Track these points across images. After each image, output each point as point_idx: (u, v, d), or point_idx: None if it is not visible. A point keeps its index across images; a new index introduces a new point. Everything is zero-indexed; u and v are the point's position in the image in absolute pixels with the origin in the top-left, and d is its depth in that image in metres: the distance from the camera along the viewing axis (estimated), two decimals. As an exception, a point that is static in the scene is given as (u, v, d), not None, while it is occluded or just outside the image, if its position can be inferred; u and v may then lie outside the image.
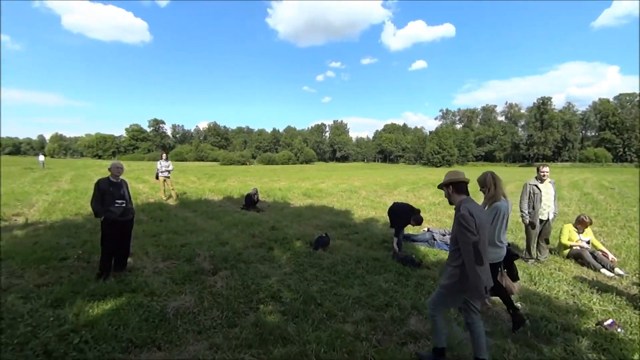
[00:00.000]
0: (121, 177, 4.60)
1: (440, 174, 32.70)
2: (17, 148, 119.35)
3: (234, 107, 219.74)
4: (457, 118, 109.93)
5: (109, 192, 4.31)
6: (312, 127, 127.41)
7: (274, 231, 7.14)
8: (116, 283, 4.22)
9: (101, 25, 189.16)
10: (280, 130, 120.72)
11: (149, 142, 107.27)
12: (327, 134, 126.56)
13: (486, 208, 3.48)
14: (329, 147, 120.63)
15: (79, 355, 2.82)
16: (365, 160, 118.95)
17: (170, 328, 3.28)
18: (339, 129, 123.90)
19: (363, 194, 14.48)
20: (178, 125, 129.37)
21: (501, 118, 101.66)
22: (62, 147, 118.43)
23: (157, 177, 11.60)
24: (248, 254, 5.52)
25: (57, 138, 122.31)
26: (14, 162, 40.09)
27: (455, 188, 2.66)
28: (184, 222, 7.80)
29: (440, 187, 2.81)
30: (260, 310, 3.67)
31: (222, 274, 4.63)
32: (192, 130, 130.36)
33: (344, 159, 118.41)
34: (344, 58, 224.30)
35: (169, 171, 11.67)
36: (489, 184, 3.48)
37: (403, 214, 5.68)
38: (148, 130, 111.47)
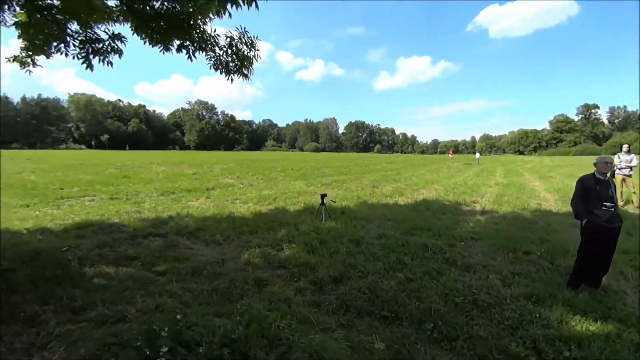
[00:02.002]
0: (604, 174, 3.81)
1: None
2: (456, 148, 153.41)
3: None
4: None
5: (594, 191, 3.69)
6: None
7: None
8: (592, 301, 3.57)
9: (521, 23, 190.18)
10: None
11: (575, 132, 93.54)
12: None
13: None
14: None
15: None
16: None
17: None
18: None
19: None
20: (617, 108, 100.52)
21: None
22: (488, 145, 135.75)
23: (612, 175, 9.27)
24: None
25: (485, 138, 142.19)
26: (458, 159, 51.73)
27: None
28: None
29: None
30: None
31: None
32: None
33: None
34: None
35: (630, 167, 8.93)
36: None
37: None
38: (575, 119, 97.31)
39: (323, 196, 6.70)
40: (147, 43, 4.53)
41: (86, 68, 4.20)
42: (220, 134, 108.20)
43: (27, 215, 6.87)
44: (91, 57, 4.15)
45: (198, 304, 3.08)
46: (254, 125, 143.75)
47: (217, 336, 2.04)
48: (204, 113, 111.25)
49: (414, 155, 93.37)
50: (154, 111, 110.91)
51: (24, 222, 6.21)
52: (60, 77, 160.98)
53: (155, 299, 3.17)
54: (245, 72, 4.44)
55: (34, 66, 5.65)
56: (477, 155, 38.15)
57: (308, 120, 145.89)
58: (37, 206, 7.87)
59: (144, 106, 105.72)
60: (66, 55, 4.32)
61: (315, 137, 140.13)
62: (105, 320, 2.79)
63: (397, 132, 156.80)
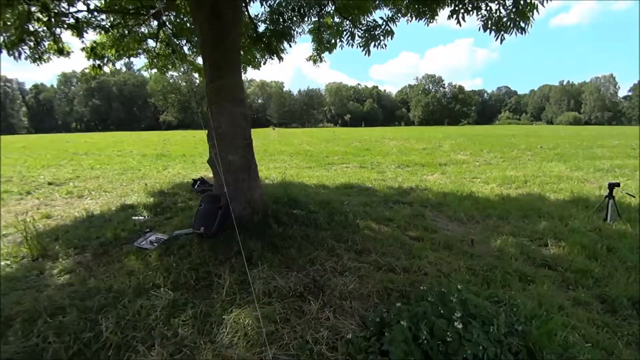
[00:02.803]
0: None
1: None
2: None
3: None
4: None
5: None
6: None
7: None
8: None
9: None
10: None
11: None
12: None
13: None
14: None
15: None
16: None
17: None
18: None
19: None
20: None
21: None
22: None
23: None
24: None
25: None
26: None
27: None
28: None
29: None
30: None
31: None
32: None
33: None
34: None
35: None
36: None
37: None
38: None
39: (612, 186, 4.89)
40: (414, 19, 4.78)
41: (365, 54, 4.97)
42: (446, 107, 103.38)
43: (312, 174, 9.47)
44: (370, 43, 4.85)
45: (458, 280, 3.09)
46: (485, 95, 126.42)
47: (501, 321, 1.94)
48: (430, 87, 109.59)
49: None
50: (384, 90, 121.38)
51: (310, 180, 8.60)
52: (320, 71, 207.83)
53: (416, 261, 3.49)
54: (523, 25, 3.76)
55: (321, 62, 7.33)
56: None
57: (565, 83, 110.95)
58: (315, 169, 10.68)
59: (377, 87, 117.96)
60: (352, 46, 5.31)
61: (575, 104, 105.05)
62: (379, 266, 3.37)
63: None
